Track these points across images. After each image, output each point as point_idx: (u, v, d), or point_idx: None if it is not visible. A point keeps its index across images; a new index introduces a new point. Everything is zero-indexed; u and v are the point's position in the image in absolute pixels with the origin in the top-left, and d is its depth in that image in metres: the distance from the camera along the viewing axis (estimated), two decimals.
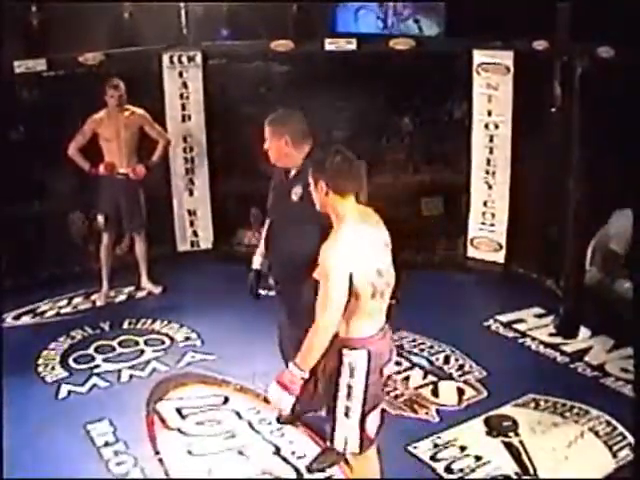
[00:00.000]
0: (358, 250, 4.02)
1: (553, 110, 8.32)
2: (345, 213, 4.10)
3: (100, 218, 7.94)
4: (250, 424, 5.90)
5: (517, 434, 5.75)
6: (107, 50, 8.62)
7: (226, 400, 6.19)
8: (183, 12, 8.90)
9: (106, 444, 5.71)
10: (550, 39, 8.00)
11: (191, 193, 9.03)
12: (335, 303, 3.98)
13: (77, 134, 7.80)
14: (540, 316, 7.69)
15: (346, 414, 4.23)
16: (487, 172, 8.60)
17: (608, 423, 5.82)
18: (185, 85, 8.85)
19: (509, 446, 5.62)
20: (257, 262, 5.61)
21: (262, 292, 5.66)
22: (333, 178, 4.07)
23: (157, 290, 8.24)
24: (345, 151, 4.24)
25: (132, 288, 8.15)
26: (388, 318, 4.38)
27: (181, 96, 8.86)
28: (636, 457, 4.92)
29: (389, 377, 4.33)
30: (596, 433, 5.73)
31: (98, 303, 8.05)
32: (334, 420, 4.27)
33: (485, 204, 8.68)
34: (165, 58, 8.76)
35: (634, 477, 4.86)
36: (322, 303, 3.99)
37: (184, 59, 8.81)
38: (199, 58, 8.84)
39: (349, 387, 4.18)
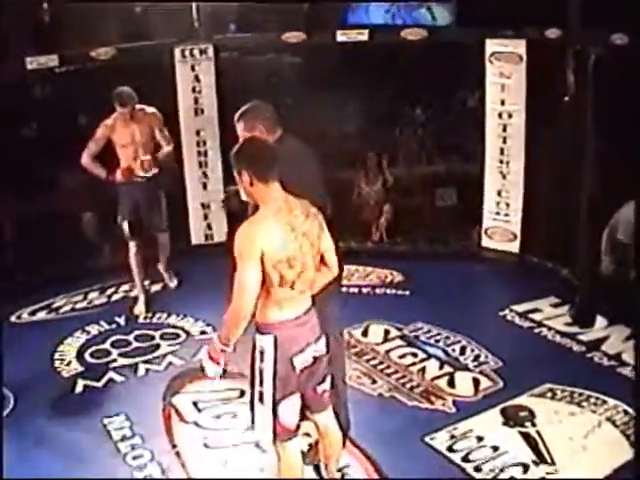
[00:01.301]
0: (269, 235, 4.04)
1: (566, 99, 8.28)
2: (267, 200, 4.14)
3: (125, 226, 7.57)
4: None
5: (534, 424, 5.74)
6: (119, 44, 8.60)
7: (242, 393, 6.18)
8: (194, 6, 8.89)
9: (123, 438, 5.73)
10: (563, 27, 7.95)
11: (205, 186, 9.04)
12: (247, 287, 4.03)
13: (89, 142, 7.37)
14: (556, 305, 7.66)
15: (260, 399, 4.30)
16: (501, 162, 8.57)
17: (625, 412, 5.79)
18: (197, 78, 8.85)
19: (526, 436, 5.61)
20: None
21: None
22: (254, 166, 4.12)
23: (173, 284, 8.22)
24: (263, 140, 4.45)
25: (147, 282, 8.15)
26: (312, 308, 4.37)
27: (193, 90, 8.86)
28: (636, 457, 4.89)
29: (304, 369, 4.28)
30: (613, 422, 5.72)
31: (136, 312, 7.76)
32: (252, 405, 4.36)
33: (499, 194, 8.66)
34: (177, 52, 8.76)
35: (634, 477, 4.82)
36: (237, 286, 4.05)
37: (196, 52, 8.80)
38: (211, 51, 8.84)
39: (260, 372, 4.25)
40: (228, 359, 4.23)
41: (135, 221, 7.56)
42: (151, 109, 7.62)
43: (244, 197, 4.32)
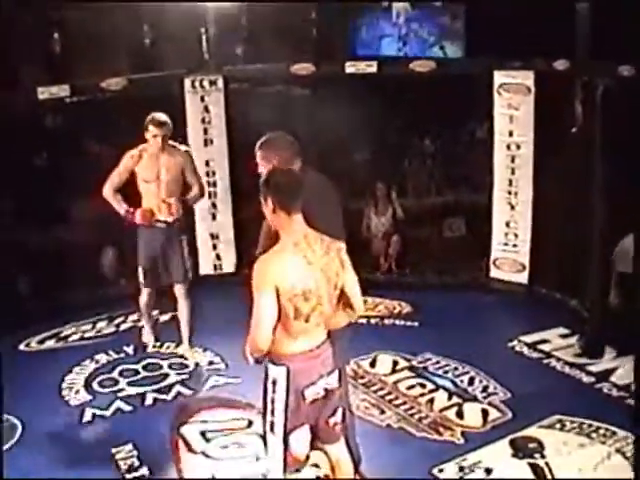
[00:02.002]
0: (285, 268, 4.06)
1: (574, 130, 8.31)
2: (287, 230, 4.17)
3: (140, 272, 6.99)
4: None
5: (543, 455, 5.70)
6: (130, 75, 8.67)
7: (250, 424, 6.17)
8: (204, 37, 8.97)
9: (130, 468, 5.71)
10: (571, 58, 7.99)
11: (214, 217, 9.06)
12: (263, 316, 4.05)
13: (113, 173, 6.85)
14: (565, 336, 7.65)
15: (272, 429, 4.31)
16: (509, 192, 8.60)
17: (636, 444, 5.75)
18: (207, 109, 8.91)
19: (535, 468, 5.57)
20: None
21: None
22: (278, 195, 4.15)
23: (194, 361, 7.33)
24: (295, 170, 4.52)
25: (156, 312, 8.15)
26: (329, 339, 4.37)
27: (203, 120, 8.92)
28: (636, 458, 4.86)
29: (315, 401, 4.28)
30: (623, 454, 5.68)
31: (144, 340, 7.44)
32: (264, 434, 4.37)
33: (508, 224, 8.67)
34: (187, 83, 8.83)
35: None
36: (254, 318, 4.09)
37: (206, 83, 8.87)
38: (221, 82, 8.91)
39: (272, 402, 4.26)
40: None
41: (151, 267, 6.96)
42: (183, 147, 7.17)
43: (270, 223, 4.33)
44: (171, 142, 6.92)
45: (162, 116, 6.79)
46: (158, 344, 7.61)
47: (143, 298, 7.14)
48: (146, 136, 6.77)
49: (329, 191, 5.06)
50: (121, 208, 6.83)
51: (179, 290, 7.13)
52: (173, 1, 9.11)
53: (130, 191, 6.96)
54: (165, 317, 8.25)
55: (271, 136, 5.08)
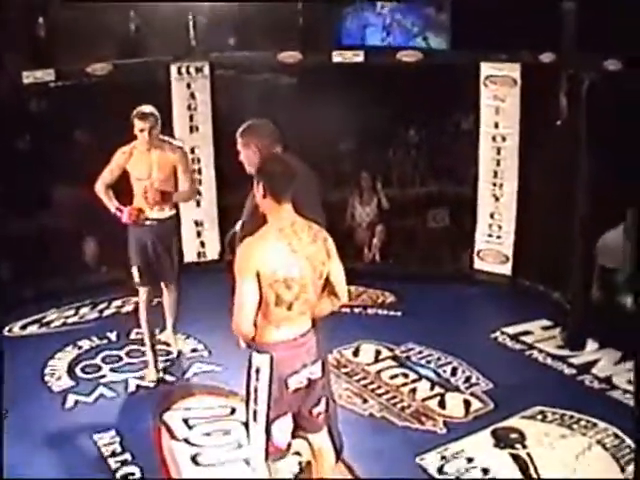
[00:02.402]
0: (267, 253, 4.07)
1: (559, 122, 8.33)
2: (274, 217, 4.19)
3: (135, 272, 6.76)
4: None
5: (524, 446, 5.74)
6: (115, 61, 8.63)
7: (233, 411, 6.18)
8: (191, 24, 8.94)
9: (113, 454, 5.71)
10: (557, 51, 8.01)
11: (198, 204, 9.03)
12: (244, 300, 4.08)
13: (105, 169, 6.65)
14: (547, 328, 7.69)
15: (254, 418, 4.31)
16: (494, 184, 8.61)
17: (616, 436, 5.80)
18: (193, 96, 8.89)
19: (516, 458, 5.61)
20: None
21: None
22: (270, 183, 4.17)
23: (175, 349, 7.26)
24: (285, 157, 4.50)
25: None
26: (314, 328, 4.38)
27: (189, 107, 8.90)
28: (636, 458, 4.90)
29: (298, 390, 4.29)
30: (604, 446, 5.72)
31: (147, 380, 6.79)
32: (247, 423, 4.38)
33: (492, 216, 8.69)
34: (173, 69, 8.80)
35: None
36: (236, 300, 4.12)
37: (192, 70, 8.84)
38: (207, 69, 8.88)
39: (255, 390, 4.27)
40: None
41: (145, 266, 6.75)
42: (177, 143, 6.93)
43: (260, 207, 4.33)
44: (164, 137, 6.71)
45: (146, 108, 6.54)
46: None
47: (141, 300, 6.84)
48: (135, 132, 6.53)
49: (308, 177, 5.04)
50: (112, 206, 6.64)
51: (167, 289, 7.04)
52: None
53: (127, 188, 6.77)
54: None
55: (252, 123, 5.08)
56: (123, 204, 6.66)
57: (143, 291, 6.82)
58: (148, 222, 6.68)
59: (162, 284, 7.00)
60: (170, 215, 6.82)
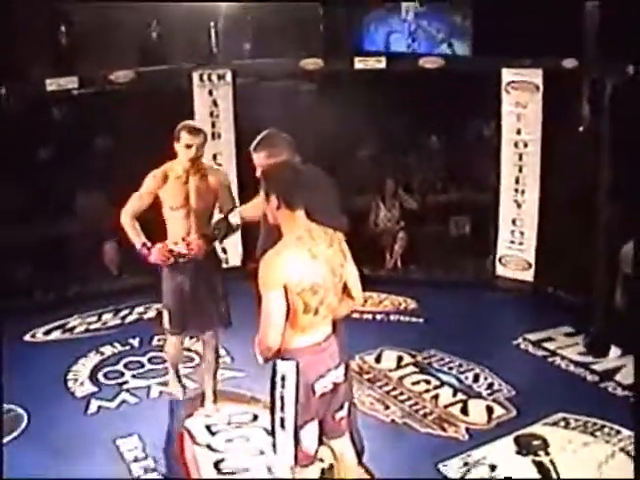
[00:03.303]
0: (292, 264, 4.04)
1: (581, 129, 8.31)
2: (290, 226, 4.15)
3: (165, 316, 5.97)
4: None
5: (547, 453, 5.71)
6: (138, 68, 8.68)
7: (255, 417, 6.19)
8: (213, 31, 8.98)
9: (135, 459, 5.73)
10: (579, 57, 7.99)
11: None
12: (272, 315, 4.03)
13: (133, 196, 5.73)
14: (570, 335, 7.65)
15: (282, 425, 4.27)
16: (516, 190, 8.59)
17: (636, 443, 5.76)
18: (215, 103, 8.91)
19: (539, 465, 5.58)
20: (235, 218, 5.46)
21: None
22: (283, 192, 4.12)
23: (218, 415, 6.26)
24: (297, 165, 4.41)
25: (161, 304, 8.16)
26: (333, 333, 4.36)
27: (211, 114, 8.92)
28: (636, 457, 4.87)
29: (324, 395, 4.27)
30: (627, 453, 5.67)
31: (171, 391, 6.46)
32: (273, 431, 4.34)
33: (514, 222, 8.67)
34: (195, 76, 8.82)
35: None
36: (263, 316, 4.06)
37: (214, 77, 8.86)
38: (229, 76, 8.90)
39: (282, 397, 4.22)
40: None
41: (179, 311, 5.87)
42: (218, 167, 6.17)
43: (270, 220, 4.29)
44: (205, 161, 5.95)
45: (196, 123, 6.00)
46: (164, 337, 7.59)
47: (169, 348, 6.21)
48: (176, 148, 5.66)
49: (327, 184, 5.01)
50: (138, 241, 5.69)
51: (209, 337, 6.10)
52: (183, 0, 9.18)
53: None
54: None
55: (266, 135, 5.00)
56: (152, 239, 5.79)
57: (172, 341, 6.12)
58: (182, 259, 5.73)
59: (203, 336, 6.13)
60: (211, 248, 5.84)
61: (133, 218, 5.71)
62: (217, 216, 5.72)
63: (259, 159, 4.93)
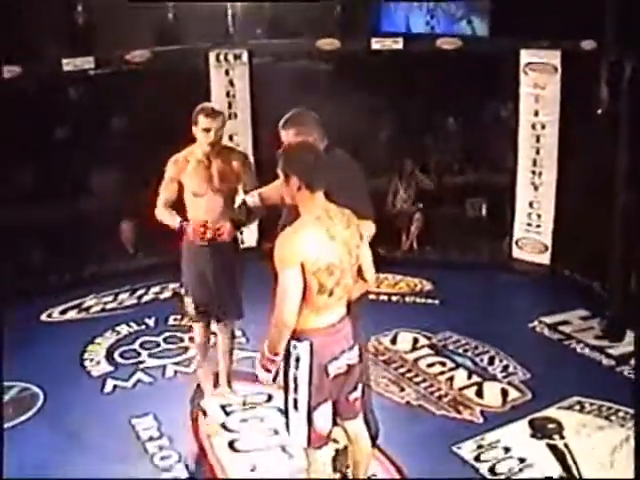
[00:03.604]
0: (309, 243, 4.03)
1: (600, 111, 8.25)
2: (309, 207, 4.12)
3: (189, 303, 5.81)
4: None
5: (562, 437, 5.70)
6: (154, 48, 8.66)
7: (270, 398, 6.20)
8: (230, 11, 8.95)
9: (150, 438, 5.76)
10: (598, 39, 7.92)
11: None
12: (289, 296, 4.01)
13: (160, 188, 5.65)
14: (585, 319, 7.63)
15: (295, 406, 4.27)
16: (533, 173, 8.55)
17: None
18: (231, 83, 8.88)
19: (554, 448, 5.58)
20: (253, 198, 5.31)
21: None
22: (306, 173, 4.09)
23: (235, 401, 6.18)
24: (316, 146, 4.38)
25: (177, 284, 8.18)
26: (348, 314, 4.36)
27: (227, 94, 8.89)
28: (636, 457, 4.85)
29: (337, 376, 4.27)
30: None
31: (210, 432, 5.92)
32: (286, 412, 4.34)
33: (531, 205, 8.63)
34: (212, 56, 8.80)
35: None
36: (279, 296, 4.04)
37: (230, 57, 8.83)
38: (245, 56, 8.87)
39: (295, 379, 4.21)
40: (278, 367, 4.22)
41: (203, 298, 5.77)
42: (239, 149, 6.00)
43: (288, 200, 4.28)
44: (224, 143, 5.84)
45: (214, 105, 5.81)
46: (179, 317, 7.60)
47: (196, 337, 6.03)
48: (194, 132, 5.52)
49: (354, 168, 4.98)
50: (174, 221, 5.57)
51: (224, 326, 6.02)
52: None
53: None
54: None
55: (298, 112, 4.94)
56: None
57: (200, 328, 5.94)
58: (204, 243, 5.60)
59: (217, 325, 6.01)
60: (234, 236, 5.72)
61: (165, 207, 5.65)
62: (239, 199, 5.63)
63: (287, 136, 4.85)
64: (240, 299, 5.88)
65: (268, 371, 4.21)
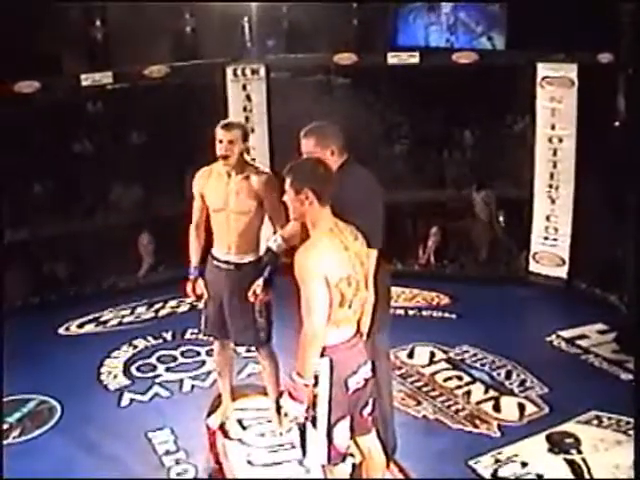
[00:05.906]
0: (329, 256, 4.03)
1: (617, 124, 8.23)
2: (319, 221, 4.12)
3: (202, 321, 5.77)
4: None
5: (579, 451, 5.67)
6: (172, 63, 8.71)
7: (287, 412, 6.18)
8: (246, 26, 8.99)
9: (167, 452, 5.76)
10: (615, 52, 7.92)
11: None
12: (317, 307, 3.99)
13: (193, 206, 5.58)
14: (603, 332, 7.58)
15: (313, 424, 4.23)
16: (550, 186, 8.53)
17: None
18: (249, 98, 8.91)
19: (571, 463, 5.55)
20: (276, 243, 5.14)
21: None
22: (318, 185, 4.09)
23: (281, 429, 5.95)
24: (323, 161, 4.35)
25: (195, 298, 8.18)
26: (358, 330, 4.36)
27: (245, 109, 8.92)
28: (636, 457, 4.82)
29: (356, 391, 4.26)
30: None
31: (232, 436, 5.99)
32: (302, 429, 4.29)
33: (548, 218, 8.61)
34: (229, 71, 8.83)
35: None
36: (306, 309, 4.01)
37: (248, 72, 8.86)
38: (263, 71, 8.90)
39: (314, 395, 4.17)
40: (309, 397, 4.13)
41: (214, 317, 5.64)
42: (266, 170, 5.60)
43: (294, 215, 4.28)
44: (250, 162, 5.67)
45: (232, 120, 5.88)
46: (196, 330, 7.60)
47: (215, 351, 5.92)
48: (216, 149, 5.35)
49: (375, 194, 4.91)
50: (191, 260, 5.62)
51: (256, 350, 5.85)
52: None
53: None
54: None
55: (321, 124, 4.93)
56: None
57: (217, 345, 5.88)
58: (222, 265, 5.48)
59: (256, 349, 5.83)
60: (250, 260, 5.46)
61: (198, 230, 5.59)
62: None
63: (307, 146, 4.85)
64: (259, 325, 5.53)
65: (300, 402, 4.11)
